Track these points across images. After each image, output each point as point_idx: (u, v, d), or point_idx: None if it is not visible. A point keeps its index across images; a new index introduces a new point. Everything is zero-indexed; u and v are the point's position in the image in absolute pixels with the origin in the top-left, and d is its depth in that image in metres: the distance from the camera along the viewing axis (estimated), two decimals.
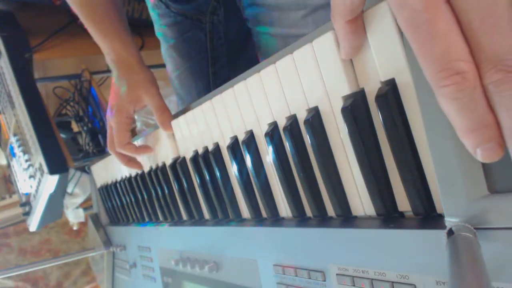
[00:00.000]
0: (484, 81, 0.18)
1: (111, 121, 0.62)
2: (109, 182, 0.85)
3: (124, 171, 0.76)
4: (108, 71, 1.26)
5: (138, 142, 0.68)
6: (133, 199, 0.74)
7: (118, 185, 0.79)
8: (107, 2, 0.62)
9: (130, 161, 0.64)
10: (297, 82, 0.35)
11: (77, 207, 1.14)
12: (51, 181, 0.93)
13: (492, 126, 0.19)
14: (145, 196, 0.69)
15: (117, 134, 0.62)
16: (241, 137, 0.43)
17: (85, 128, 1.25)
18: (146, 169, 0.67)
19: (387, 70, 0.28)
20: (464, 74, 0.18)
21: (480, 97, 0.19)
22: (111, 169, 0.83)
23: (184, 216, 0.59)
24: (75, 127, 1.39)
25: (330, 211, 0.36)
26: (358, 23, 0.28)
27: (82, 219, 1.17)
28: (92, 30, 0.62)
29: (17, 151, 1.09)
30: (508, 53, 0.17)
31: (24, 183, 1.12)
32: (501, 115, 0.19)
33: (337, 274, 0.33)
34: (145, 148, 0.63)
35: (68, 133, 1.36)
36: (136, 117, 0.70)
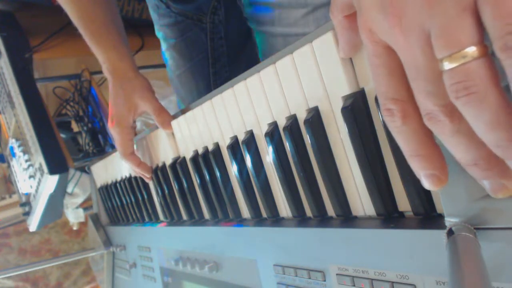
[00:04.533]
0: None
1: (112, 132, 0.63)
2: (109, 182, 0.85)
3: (124, 171, 0.76)
4: None
5: (138, 143, 0.68)
6: (133, 199, 0.74)
7: (118, 185, 0.79)
8: (104, 12, 0.63)
9: (141, 164, 0.64)
10: (297, 82, 0.35)
11: (77, 207, 1.14)
12: (51, 181, 0.93)
13: (429, 155, 0.22)
14: (145, 196, 0.69)
15: (119, 144, 0.63)
16: (241, 137, 0.43)
17: (85, 128, 1.25)
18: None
19: None
20: (390, 111, 0.22)
21: (412, 129, 0.22)
22: (111, 169, 0.83)
23: (184, 216, 0.59)
24: (75, 127, 1.39)
25: (330, 211, 0.36)
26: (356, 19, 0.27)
27: (82, 219, 1.17)
28: (88, 40, 0.63)
29: (17, 151, 1.09)
30: (430, 109, 0.20)
31: (24, 183, 1.12)
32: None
33: (337, 274, 0.33)
34: (146, 167, 0.64)
35: (68, 133, 1.36)
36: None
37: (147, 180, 0.66)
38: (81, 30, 0.63)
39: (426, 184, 0.22)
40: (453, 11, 0.17)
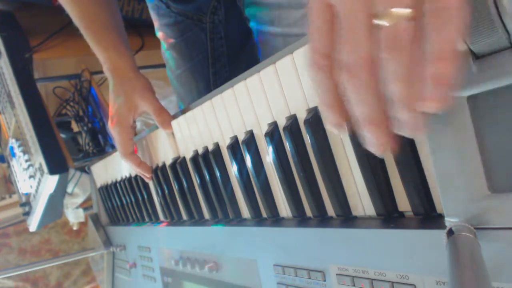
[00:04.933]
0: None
1: (112, 132, 0.63)
2: (109, 182, 0.85)
3: (124, 171, 0.76)
4: None
5: (138, 143, 0.68)
6: (133, 199, 0.74)
7: (118, 185, 0.79)
8: (104, 13, 0.63)
9: (141, 164, 0.64)
10: (297, 82, 0.35)
11: (77, 207, 1.14)
12: (51, 181, 0.93)
13: (338, 109, 0.25)
14: (145, 196, 0.69)
15: (120, 144, 0.63)
16: (241, 137, 0.43)
17: (85, 128, 1.25)
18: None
19: None
20: (315, 65, 0.25)
21: (331, 82, 0.25)
22: (111, 169, 0.83)
23: (184, 216, 0.59)
24: (75, 127, 1.39)
25: (330, 211, 0.36)
26: None
27: (82, 219, 1.17)
28: (89, 40, 0.64)
29: (17, 151, 1.09)
30: (352, 62, 0.23)
31: (24, 183, 1.12)
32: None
33: (337, 274, 0.33)
34: (146, 167, 0.64)
35: (68, 133, 1.36)
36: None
37: (147, 180, 0.66)
38: (82, 30, 0.64)
39: (335, 131, 0.27)
40: None
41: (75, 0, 0.62)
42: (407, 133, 0.23)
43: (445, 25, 0.20)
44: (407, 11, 0.20)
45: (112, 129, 0.63)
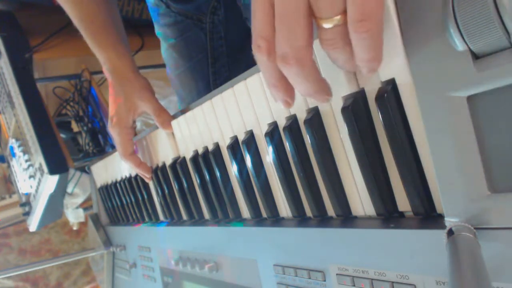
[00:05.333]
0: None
1: (112, 133, 0.63)
2: (109, 182, 0.85)
3: (124, 171, 0.76)
4: None
5: (138, 143, 0.68)
6: (133, 199, 0.74)
7: (118, 185, 0.79)
8: (104, 13, 0.63)
9: (141, 165, 0.64)
10: None
11: (77, 207, 1.14)
12: (51, 181, 0.93)
13: (283, 87, 0.29)
14: (145, 196, 0.69)
15: (119, 145, 0.63)
16: (241, 137, 0.43)
17: (85, 128, 1.25)
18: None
19: (387, 70, 0.28)
20: (259, 48, 0.27)
21: (274, 65, 0.27)
22: (111, 169, 0.83)
23: (184, 216, 0.59)
24: (75, 127, 1.39)
25: (330, 211, 0.36)
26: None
27: (82, 219, 1.17)
28: (89, 41, 0.64)
29: (17, 151, 1.09)
30: (286, 51, 0.25)
31: (24, 183, 1.12)
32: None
33: (337, 274, 0.33)
34: (146, 167, 0.64)
35: (68, 133, 1.36)
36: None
37: (147, 180, 0.66)
38: (81, 31, 0.64)
39: (282, 106, 0.30)
40: None
41: (74, 2, 0.62)
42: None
43: (363, 41, 0.24)
44: (338, 17, 0.24)
45: (112, 129, 0.63)
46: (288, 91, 0.29)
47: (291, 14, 0.24)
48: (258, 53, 0.27)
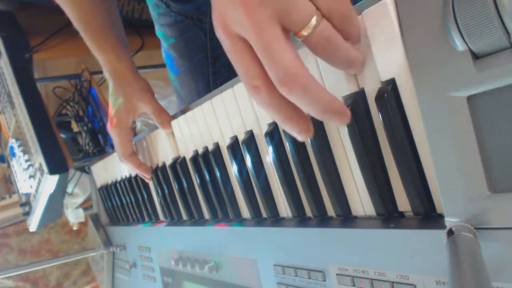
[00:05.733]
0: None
1: (112, 134, 0.64)
2: (109, 182, 0.85)
3: (124, 171, 0.76)
4: None
5: (138, 143, 0.68)
6: (133, 199, 0.74)
7: (118, 185, 0.79)
8: (102, 14, 0.64)
9: (141, 165, 0.65)
10: None
11: (77, 207, 1.14)
12: (51, 181, 0.93)
13: (296, 118, 0.28)
14: (145, 196, 0.69)
15: (119, 146, 0.63)
16: (241, 137, 0.43)
17: (85, 128, 1.25)
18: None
19: (387, 70, 0.28)
20: (257, 88, 0.27)
21: (278, 99, 0.27)
22: (111, 169, 0.83)
23: (184, 216, 0.59)
24: (75, 127, 1.39)
25: (330, 211, 0.36)
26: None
27: (82, 219, 1.17)
28: (88, 42, 0.64)
29: (17, 151, 1.09)
30: (281, 78, 0.25)
31: (24, 183, 1.12)
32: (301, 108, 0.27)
33: (337, 274, 0.33)
34: (146, 168, 0.64)
35: (68, 133, 1.36)
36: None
37: (147, 181, 0.66)
38: (81, 32, 0.64)
39: (300, 138, 0.29)
40: None
41: (73, 2, 0.62)
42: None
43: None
44: (314, 18, 0.25)
45: (111, 131, 0.63)
46: (303, 118, 0.28)
47: (271, 44, 0.25)
48: (258, 95, 0.27)
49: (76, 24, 0.64)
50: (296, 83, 0.25)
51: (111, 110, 0.64)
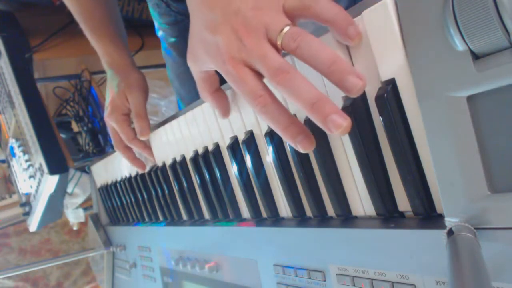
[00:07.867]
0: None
1: (110, 121, 0.64)
2: (109, 182, 0.85)
3: (124, 171, 0.76)
4: None
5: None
6: (133, 199, 0.74)
7: (118, 185, 0.79)
8: (103, 9, 0.65)
9: (135, 160, 0.65)
10: None
11: (77, 207, 1.14)
12: (51, 181, 0.93)
13: (297, 123, 0.31)
14: (145, 196, 0.69)
15: (121, 131, 0.64)
16: (241, 137, 0.43)
17: (85, 128, 1.25)
18: (146, 169, 0.67)
19: (387, 70, 0.28)
20: (262, 96, 0.31)
21: (279, 108, 0.31)
22: (111, 169, 0.83)
23: (184, 216, 0.59)
24: (75, 127, 1.39)
25: (330, 211, 0.36)
26: (219, 93, 0.41)
27: (82, 219, 1.17)
28: (88, 34, 0.66)
29: (17, 151, 1.09)
30: (274, 71, 0.30)
31: (24, 183, 1.12)
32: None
33: (337, 274, 0.33)
34: (149, 150, 0.64)
35: (68, 133, 1.36)
36: None
37: (151, 161, 0.66)
38: (81, 24, 0.66)
39: (301, 148, 0.30)
40: (274, 13, 0.31)
41: None
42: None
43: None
44: (288, 26, 0.30)
45: (109, 118, 0.64)
46: (303, 126, 0.31)
47: (262, 54, 0.30)
48: (263, 105, 0.31)
49: (77, 16, 0.65)
50: (285, 73, 0.29)
51: (107, 99, 0.65)
